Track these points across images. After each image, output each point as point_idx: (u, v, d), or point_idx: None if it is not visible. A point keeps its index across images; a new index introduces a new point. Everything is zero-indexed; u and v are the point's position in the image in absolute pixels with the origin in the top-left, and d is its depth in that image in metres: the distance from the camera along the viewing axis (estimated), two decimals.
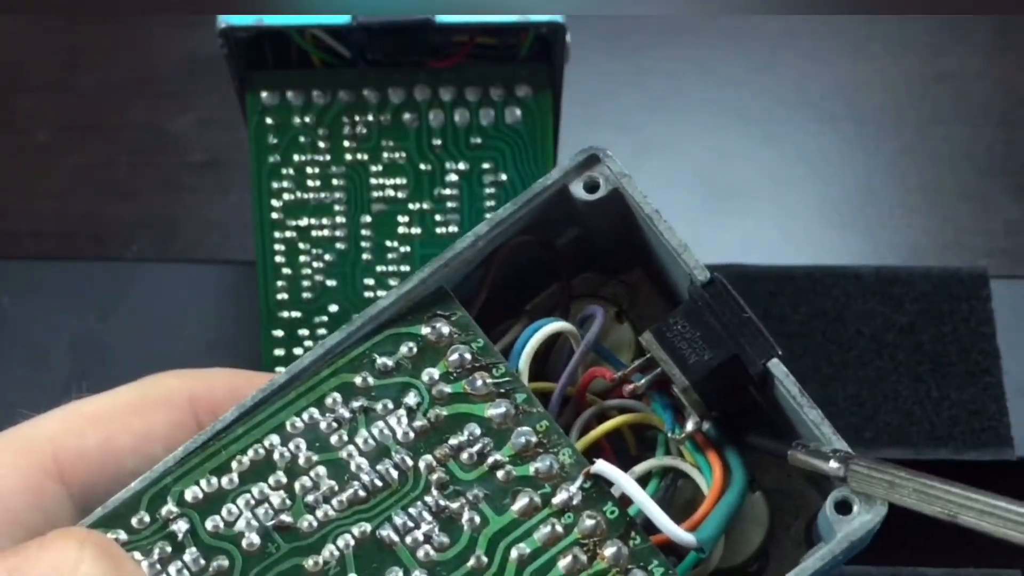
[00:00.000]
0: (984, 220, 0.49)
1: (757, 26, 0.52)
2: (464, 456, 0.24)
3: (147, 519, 0.24)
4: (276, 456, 0.24)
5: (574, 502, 0.23)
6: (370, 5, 0.36)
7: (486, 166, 0.39)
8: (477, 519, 0.23)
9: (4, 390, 0.42)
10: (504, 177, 0.39)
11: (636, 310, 0.28)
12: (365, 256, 0.39)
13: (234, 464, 0.24)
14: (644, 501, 0.23)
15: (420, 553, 0.23)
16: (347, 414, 0.24)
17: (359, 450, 0.24)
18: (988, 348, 0.41)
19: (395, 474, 0.24)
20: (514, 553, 0.23)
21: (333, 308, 0.39)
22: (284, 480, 0.24)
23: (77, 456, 0.24)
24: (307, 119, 0.39)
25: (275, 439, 0.24)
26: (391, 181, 0.39)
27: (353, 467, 0.24)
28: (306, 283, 0.39)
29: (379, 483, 0.24)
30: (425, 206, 0.39)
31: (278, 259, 0.39)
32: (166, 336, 0.43)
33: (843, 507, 0.22)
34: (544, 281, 0.27)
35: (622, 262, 0.27)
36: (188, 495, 0.24)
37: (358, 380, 0.24)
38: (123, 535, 0.23)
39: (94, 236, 0.48)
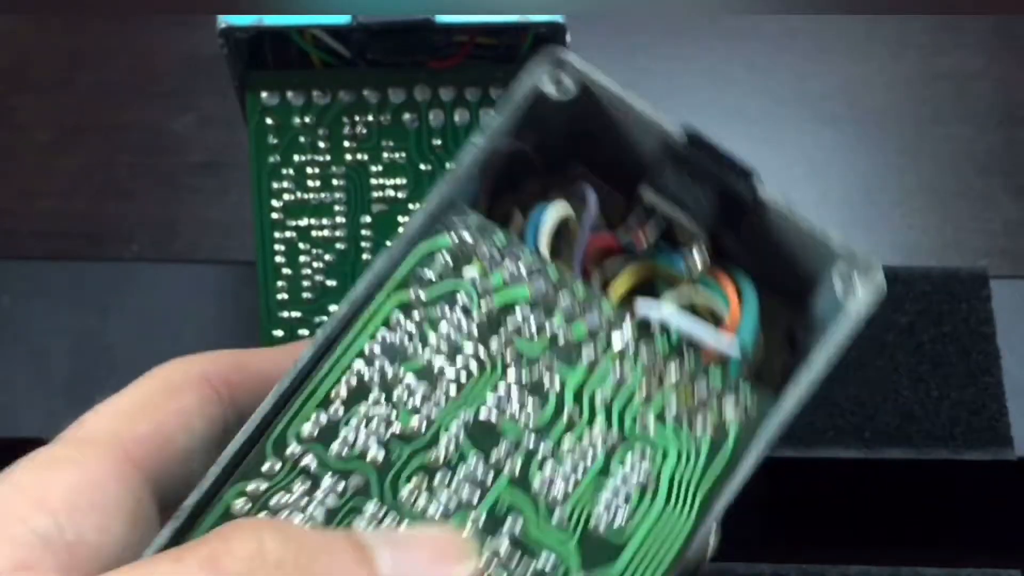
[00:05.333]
0: (984, 220, 0.49)
1: (757, 26, 0.52)
2: (525, 333, 0.26)
3: (278, 465, 0.25)
4: (367, 378, 0.26)
5: (629, 344, 0.26)
6: (370, 5, 0.36)
7: None
8: (557, 379, 0.26)
9: (4, 390, 0.42)
10: None
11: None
12: (365, 256, 0.39)
13: (333, 395, 0.26)
14: (685, 321, 0.26)
15: (522, 421, 0.25)
16: (412, 326, 0.26)
17: (435, 352, 0.26)
18: (988, 348, 0.41)
19: (474, 364, 0.26)
20: (598, 397, 0.26)
21: (333, 308, 0.39)
22: (383, 396, 0.26)
23: (136, 443, 0.25)
24: (307, 119, 0.39)
25: (361, 364, 0.26)
26: (391, 181, 0.39)
27: (436, 369, 0.26)
28: (306, 283, 0.39)
29: (464, 377, 0.26)
30: None
31: (278, 259, 0.39)
32: (166, 336, 0.43)
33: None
34: (511, 181, 0.29)
35: (565, 159, 0.30)
36: (304, 433, 0.25)
37: (412, 295, 0.26)
38: (263, 484, 0.25)
39: (94, 236, 0.48)
